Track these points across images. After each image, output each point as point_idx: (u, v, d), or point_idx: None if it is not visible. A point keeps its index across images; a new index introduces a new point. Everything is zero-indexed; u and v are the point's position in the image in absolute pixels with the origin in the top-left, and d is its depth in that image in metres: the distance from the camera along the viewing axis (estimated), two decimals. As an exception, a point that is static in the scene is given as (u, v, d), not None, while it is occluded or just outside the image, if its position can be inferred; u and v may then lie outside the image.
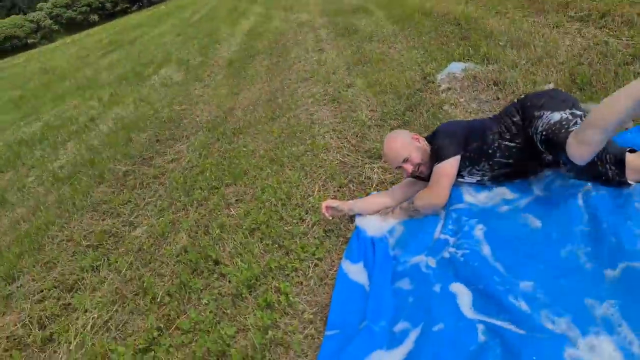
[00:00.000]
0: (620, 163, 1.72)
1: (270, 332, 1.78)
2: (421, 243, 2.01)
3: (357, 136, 3.20)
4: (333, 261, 2.11)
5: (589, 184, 1.83)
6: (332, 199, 2.47)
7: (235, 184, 3.12)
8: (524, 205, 1.99)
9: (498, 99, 3.02)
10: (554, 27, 3.85)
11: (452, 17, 5.09)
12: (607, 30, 3.41)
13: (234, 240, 2.49)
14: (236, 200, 2.94)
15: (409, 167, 2.08)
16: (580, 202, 1.85)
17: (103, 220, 3.33)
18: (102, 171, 4.14)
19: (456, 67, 3.68)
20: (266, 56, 6.58)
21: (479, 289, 1.64)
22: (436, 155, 2.03)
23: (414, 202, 2.10)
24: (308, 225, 2.42)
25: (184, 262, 2.45)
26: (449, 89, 3.42)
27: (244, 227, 2.57)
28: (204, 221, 2.81)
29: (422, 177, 2.20)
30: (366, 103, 3.68)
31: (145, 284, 2.39)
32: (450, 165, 2.00)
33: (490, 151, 2.02)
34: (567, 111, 1.81)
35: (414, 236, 2.06)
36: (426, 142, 2.18)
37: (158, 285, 2.38)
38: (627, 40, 3.12)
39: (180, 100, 5.87)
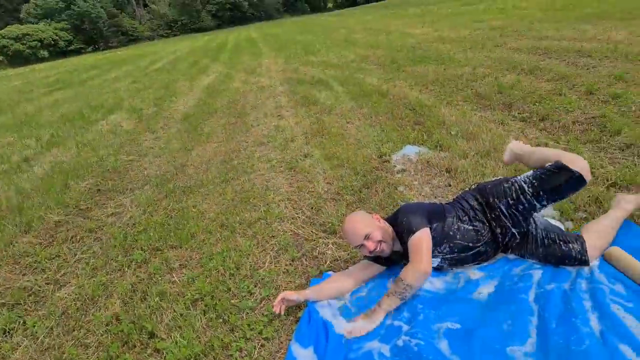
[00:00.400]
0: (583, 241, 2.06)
1: None
2: (374, 329, 1.95)
3: (312, 208, 3.17)
4: (282, 342, 1.98)
5: (540, 273, 1.94)
6: (288, 291, 2.18)
7: (181, 247, 2.94)
8: (478, 295, 2.01)
9: (449, 185, 3.15)
10: (499, 124, 4.16)
11: (407, 101, 5.40)
12: (546, 133, 3.73)
13: (174, 311, 2.30)
14: (180, 265, 2.76)
15: (370, 245, 2.05)
16: (531, 298, 1.90)
17: (24, 275, 2.99)
18: (30, 219, 3.80)
19: (411, 150, 3.84)
20: (224, 115, 6.58)
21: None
22: (407, 229, 2.04)
23: (403, 281, 1.98)
24: (256, 300, 2.29)
25: (114, 333, 2.21)
26: (403, 170, 3.54)
27: (186, 296, 2.40)
28: (141, 286, 2.59)
29: (381, 258, 2.19)
30: (323, 175, 3.70)
31: (65, 356, 2.11)
32: (425, 233, 2.02)
33: (450, 233, 2.09)
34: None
35: (367, 321, 1.99)
36: (386, 223, 2.19)
37: (81, 357, 2.12)
38: (564, 145, 3.42)
39: (128, 150, 5.65)
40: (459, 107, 4.88)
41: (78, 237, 3.41)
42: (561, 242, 2.06)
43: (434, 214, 2.13)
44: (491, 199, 2.16)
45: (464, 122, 4.27)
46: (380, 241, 2.07)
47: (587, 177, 2.03)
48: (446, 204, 2.28)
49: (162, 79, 12.24)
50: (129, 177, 4.61)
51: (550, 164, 2.12)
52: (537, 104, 4.43)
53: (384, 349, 1.85)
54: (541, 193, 2.07)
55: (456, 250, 2.10)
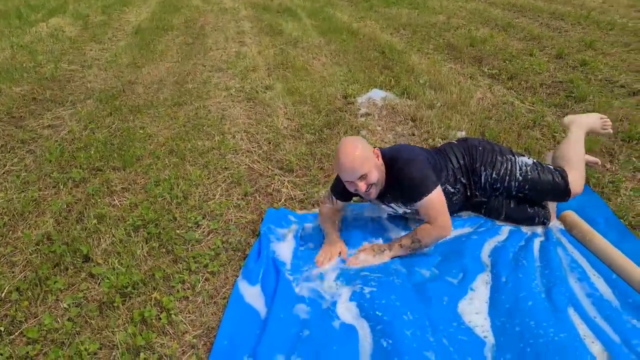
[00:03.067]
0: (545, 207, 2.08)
1: (142, 355, 1.51)
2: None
3: (269, 143, 3.02)
4: (227, 278, 1.90)
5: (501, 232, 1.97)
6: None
7: (124, 170, 2.73)
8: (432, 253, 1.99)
9: (414, 134, 3.08)
10: (468, 77, 4.09)
11: (377, 43, 5.19)
12: (513, 92, 3.70)
13: (113, 236, 2.13)
14: (122, 189, 2.56)
15: (362, 186, 1.81)
16: (484, 253, 1.92)
17: (-58, 182, 2.68)
18: (-48, 121, 3.39)
19: (377, 94, 3.71)
20: (180, 34, 6.08)
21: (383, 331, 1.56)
22: (420, 188, 1.82)
23: (420, 241, 1.85)
24: (204, 232, 2.17)
25: (44, 253, 2.03)
26: (367, 114, 3.42)
27: (127, 222, 2.23)
28: (78, 207, 2.39)
29: (350, 195, 2.06)
30: (283, 110, 3.52)
31: (-14, 273, 1.92)
32: (440, 193, 1.85)
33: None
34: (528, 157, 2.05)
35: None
36: (381, 160, 1.93)
37: (6, 276, 1.93)
38: (529, 105, 3.41)
39: (70, 59, 5.13)
40: (429, 56, 4.74)
41: (9, 147, 3.09)
42: (527, 205, 2.05)
43: (436, 170, 1.93)
44: (477, 165, 2.01)
45: (434, 72, 4.16)
46: (372, 185, 1.85)
47: (572, 196, 2.00)
48: (435, 153, 2.05)
49: (115, -15, 11.09)
50: (70, 88, 4.20)
51: (556, 168, 2.04)
52: (507, 61, 4.38)
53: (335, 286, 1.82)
54: (526, 187, 1.99)
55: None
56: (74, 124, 3.39)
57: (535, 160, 2.04)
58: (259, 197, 2.46)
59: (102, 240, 2.12)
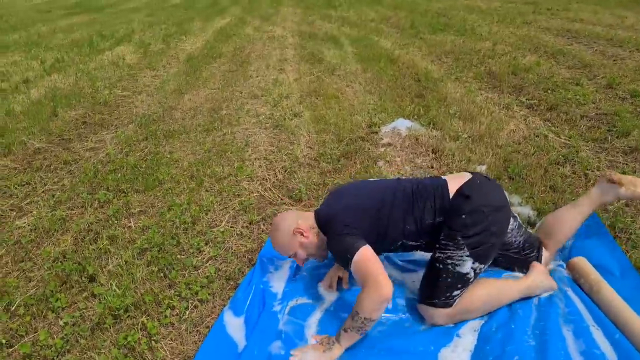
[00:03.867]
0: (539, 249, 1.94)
1: (116, 381, 1.57)
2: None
3: (285, 171, 3.07)
4: (215, 307, 1.93)
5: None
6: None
7: (145, 193, 2.88)
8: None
9: (432, 167, 3.01)
10: (503, 108, 3.94)
11: (415, 71, 5.15)
12: (549, 124, 3.52)
13: (120, 258, 2.25)
14: (140, 211, 2.70)
15: (299, 261, 1.87)
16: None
17: (-10, 198, 2.97)
18: (11, 142, 3.75)
19: (402, 124, 3.67)
20: (227, 61, 6.38)
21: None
22: (340, 256, 1.71)
23: (359, 315, 1.57)
24: (203, 259, 2.24)
25: (57, 270, 2.18)
26: (389, 144, 3.38)
27: (136, 244, 2.35)
28: (97, 227, 2.55)
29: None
30: (306, 138, 3.57)
31: (5, 286, 2.09)
32: (366, 252, 1.62)
33: (391, 248, 1.85)
34: (479, 265, 1.71)
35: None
36: (315, 230, 1.82)
37: (21, 290, 2.10)
38: (564, 139, 3.22)
39: (125, 85, 5.53)
40: (466, 85, 4.63)
41: (52, 167, 3.37)
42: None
43: (372, 229, 1.74)
44: (454, 232, 1.71)
45: (467, 101, 4.06)
46: (308, 257, 1.87)
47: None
48: (403, 199, 1.79)
49: (178, 15, 11.89)
50: (117, 113, 4.52)
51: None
52: (549, 91, 4.18)
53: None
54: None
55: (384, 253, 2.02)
56: (112, 147, 3.64)
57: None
58: (263, 225, 2.49)
59: (110, 260, 2.25)
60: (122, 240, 2.40)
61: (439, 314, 1.72)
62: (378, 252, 1.69)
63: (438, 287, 1.70)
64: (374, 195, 1.82)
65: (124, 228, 2.53)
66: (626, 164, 2.83)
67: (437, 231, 1.74)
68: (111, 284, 2.06)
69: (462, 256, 1.68)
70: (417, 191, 1.79)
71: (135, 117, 4.35)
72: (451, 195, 1.75)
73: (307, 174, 2.99)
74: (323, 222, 1.82)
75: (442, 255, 1.71)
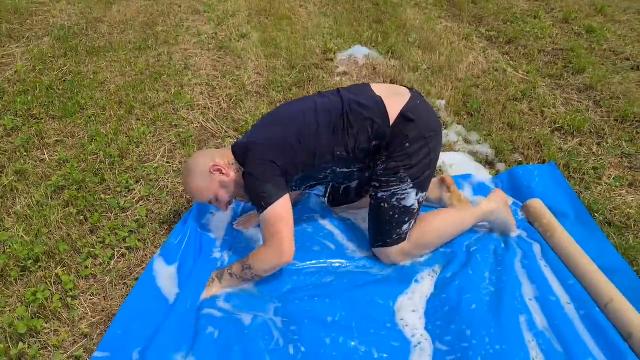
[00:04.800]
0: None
1: (20, 345, 1.33)
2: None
3: (230, 100, 2.74)
4: (146, 255, 1.70)
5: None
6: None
7: (63, 120, 2.47)
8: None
9: (389, 100, 2.78)
10: (463, 38, 3.72)
11: (373, -7, 4.74)
12: (508, 58, 3.36)
13: (31, 198, 1.92)
14: (56, 141, 2.32)
15: (223, 205, 1.60)
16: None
17: None
18: None
19: (359, 51, 3.37)
20: (164, -30, 5.60)
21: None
22: (257, 200, 1.46)
23: (250, 268, 1.48)
24: (133, 200, 1.95)
25: (-51, 212, 1.83)
26: (345, 73, 3.11)
27: (50, 181, 2.01)
28: (1, 159, 2.16)
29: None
30: (254, 63, 3.20)
31: None
32: (281, 206, 1.44)
33: (319, 177, 1.62)
34: (422, 194, 1.59)
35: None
36: (235, 166, 1.57)
37: None
38: (522, 74, 3.09)
39: (41, -10, 4.72)
40: (426, 12, 4.33)
41: (-53, 86, 2.82)
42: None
43: (297, 159, 1.50)
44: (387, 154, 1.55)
45: (427, 30, 3.79)
46: (231, 199, 1.61)
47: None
48: (326, 124, 1.52)
49: None
50: (31, 23, 3.85)
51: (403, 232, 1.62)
52: (508, 23, 3.98)
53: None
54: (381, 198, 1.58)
55: (313, 183, 1.68)
56: (22, 64, 3.09)
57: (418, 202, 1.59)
58: (204, 161, 2.21)
59: (17, 201, 1.91)
60: (33, 176, 2.05)
61: (395, 252, 1.62)
62: (305, 182, 1.61)
63: (387, 226, 1.57)
64: (296, 118, 1.53)
65: (35, 161, 2.16)
66: (580, 102, 2.75)
67: (371, 155, 1.56)
68: (18, 229, 1.74)
69: (405, 189, 1.54)
70: (349, 112, 1.51)
71: (52, 28, 3.72)
72: (391, 118, 1.50)
73: (254, 104, 2.68)
74: (240, 155, 1.56)
75: (385, 194, 1.55)
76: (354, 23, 3.95)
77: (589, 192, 1.99)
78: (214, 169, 1.53)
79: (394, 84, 2.94)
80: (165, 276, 1.58)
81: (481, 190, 1.99)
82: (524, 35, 3.71)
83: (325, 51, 3.39)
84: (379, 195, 1.56)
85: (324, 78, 3.01)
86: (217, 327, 1.39)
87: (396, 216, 1.56)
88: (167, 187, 2.03)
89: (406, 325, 1.44)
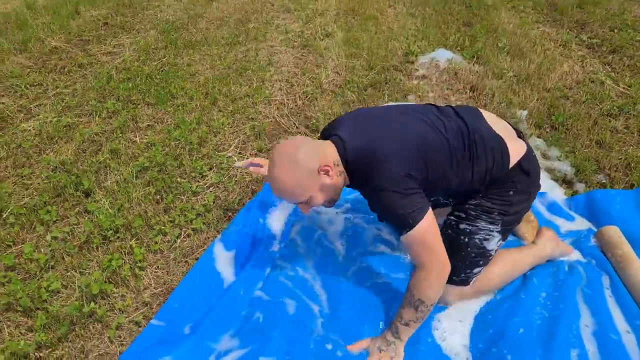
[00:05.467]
0: None
1: (92, 304, 1.51)
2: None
3: (306, 97, 2.82)
4: (208, 238, 1.83)
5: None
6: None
7: (156, 107, 2.72)
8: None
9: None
10: (560, 45, 3.47)
11: (467, -6, 4.57)
12: (609, 69, 3.08)
13: (120, 174, 2.15)
14: (147, 126, 2.56)
15: (307, 209, 1.38)
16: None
17: (1, 97, 2.88)
18: (28, 38, 3.60)
19: (443, 55, 3.29)
20: (264, -32, 5.86)
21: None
22: (399, 220, 1.26)
23: (423, 302, 1.30)
24: (204, 185, 2.11)
25: (53, 181, 2.11)
26: (424, 77, 3.05)
27: (137, 161, 2.23)
28: (101, 138, 2.44)
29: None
30: (335, 62, 3.26)
31: (2, 191, 2.04)
32: (428, 225, 1.26)
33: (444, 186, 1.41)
34: (502, 242, 1.48)
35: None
36: (339, 169, 1.34)
37: (15, 197, 2.04)
38: (623, 88, 2.81)
39: (153, -14, 5.19)
40: (522, 15, 4.09)
41: (67, 69, 3.23)
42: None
43: (427, 183, 1.32)
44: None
45: (520, 35, 3.59)
46: (322, 204, 1.39)
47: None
48: (450, 149, 1.35)
49: None
50: (141, 17, 4.25)
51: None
52: (616, 30, 3.63)
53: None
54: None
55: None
56: (129, 54, 3.44)
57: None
58: (273, 155, 2.32)
59: (108, 176, 2.15)
60: (124, 155, 2.29)
61: (453, 292, 1.48)
62: None
63: (459, 262, 1.43)
64: (425, 132, 1.34)
65: (128, 142, 2.41)
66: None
67: (470, 195, 1.45)
68: (105, 202, 1.97)
69: (492, 231, 1.43)
70: (476, 142, 1.35)
71: (159, 22, 4.08)
72: (510, 163, 1.39)
73: (328, 103, 2.74)
74: (357, 159, 1.31)
75: (469, 228, 1.43)
76: (442, 25, 3.85)
77: (682, 225, 1.77)
78: (323, 169, 1.29)
79: (474, 90, 2.84)
80: (223, 260, 1.69)
81: (554, 211, 1.87)
82: (632, 44, 3.36)
83: (407, 53, 3.35)
84: (462, 227, 1.45)
85: (401, 81, 2.98)
86: (262, 311, 1.47)
87: (473, 254, 1.45)
88: (236, 177, 2.16)
89: (448, 345, 1.41)
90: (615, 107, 2.57)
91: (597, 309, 1.44)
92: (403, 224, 1.25)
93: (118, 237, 1.80)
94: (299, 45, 3.57)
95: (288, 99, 2.81)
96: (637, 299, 1.46)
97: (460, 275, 1.46)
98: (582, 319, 1.42)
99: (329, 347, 1.35)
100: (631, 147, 2.26)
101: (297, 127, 2.53)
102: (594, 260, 1.62)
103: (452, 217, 1.50)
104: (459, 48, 3.41)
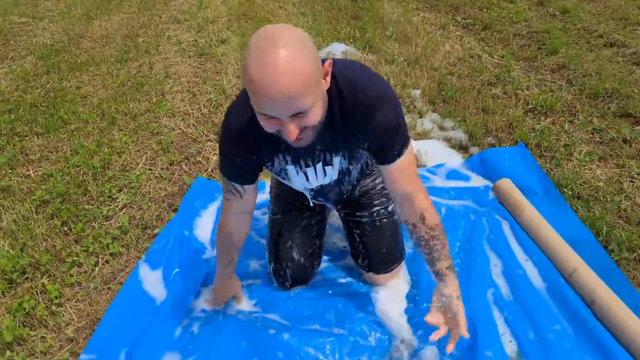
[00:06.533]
0: None
1: (8, 353, 1.38)
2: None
3: (211, 104, 2.79)
4: (129, 260, 1.75)
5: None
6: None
7: (47, 136, 2.53)
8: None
9: (366, 93, 2.83)
10: (440, 28, 3.77)
11: (351, -10, 4.79)
12: (483, 44, 3.40)
13: (16, 213, 1.97)
14: (40, 157, 2.37)
15: (293, 131, 0.92)
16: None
17: None
18: None
19: (338, 48, 3.42)
20: (144, -18, 5.66)
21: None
22: (402, 141, 1.11)
23: (436, 231, 1.15)
24: (115, 208, 2.00)
25: (-62, 232, 1.88)
26: (322, 70, 3.15)
27: (35, 195, 2.06)
28: (-13, 178, 2.22)
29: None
30: (234, 66, 3.25)
31: None
32: (411, 153, 1.16)
33: None
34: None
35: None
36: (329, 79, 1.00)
37: None
38: (497, 59, 3.13)
39: (23, 10, 4.80)
40: (404, 4, 4.38)
41: None
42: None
43: None
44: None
45: (404, 22, 3.84)
46: (312, 126, 0.96)
47: None
48: None
49: None
50: (14, 44, 3.92)
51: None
52: (484, 9, 4.02)
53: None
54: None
55: None
56: (6, 84, 3.16)
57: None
58: (185, 165, 2.27)
59: (3, 217, 1.96)
60: (18, 192, 2.10)
61: (394, 273, 1.53)
62: None
63: (399, 242, 1.50)
64: None
65: (20, 177, 2.22)
66: (553, 82, 2.78)
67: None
68: (4, 244, 1.80)
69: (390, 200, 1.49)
70: None
71: (35, 47, 3.79)
72: None
73: (232, 107, 2.73)
74: (342, 74, 1.05)
75: (392, 205, 1.48)
76: (332, 20, 4.00)
77: (560, 168, 2.03)
78: (327, 67, 0.96)
79: (370, 77, 2.99)
80: (150, 280, 1.62)
81: (454, 176, 2.04)
82: (500, 20, 3.75)
83: (304, 50, 3.43)
84: (390, 209, 1.49)
85: (302, 77, 3.05)
86: (199, 323, 1.44)
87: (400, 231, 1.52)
88: (149, 193, 2.08)
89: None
90: (493, 77, 2.85)
91: (501, 251, 1.60)
92: (406, 136, 1.12)
93: (26, 278, 1.66)
94: (195, 55, 3.51)
95: (192, 109, 2.75)
96: (532, 236, 1.65)
97: (402, 251, 1.53)
98: (491, 262, 1.58)
99: (272, 331, 1.36)
100: (511, 110, 2.53)
101: (206, 135, 2.49)
102: (494, 211, 1.79)
103: (376, 207, 1.47)
104: (351, 40, 3.57)
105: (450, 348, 1.11)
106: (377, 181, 1.49)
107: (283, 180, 1.31)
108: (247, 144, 1.13)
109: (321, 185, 1.31)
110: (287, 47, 0.83)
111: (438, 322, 1.13)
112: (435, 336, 1.10)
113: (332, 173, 1.26)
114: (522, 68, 2.98)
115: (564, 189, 1.88)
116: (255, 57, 0.84)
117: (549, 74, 2.88)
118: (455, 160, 2.15)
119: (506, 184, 1.83)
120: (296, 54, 0.84)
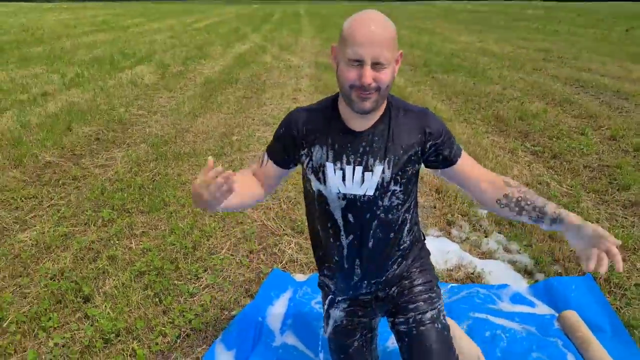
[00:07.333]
0: None
1: (99, 407, 1.56)
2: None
3: (290, 201, 3.09)
4: (207, 337, 1.93)
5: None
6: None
7: (150, 214, 2.91)
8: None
9: (435, 207, 3.02)
10: (508, 152, 3.97)
11: (425, 110, 5.21)
12: (552, 172, 3.53)
13: (118, 279, 2.27)
14: (142, 232, 2.73)
15: (368, 76, 1.04)
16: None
17: (-3, 209, 3.02)
18: (23, 154, 3.84)
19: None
20: (243, 87, 6.51)
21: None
22: (453, 137, 1.24)
23: (521, 186, 1.22)
24: (200, 286, 2.24)
25: (53, 288, 2.20)
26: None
27: (135, 266, 2.36)
28: (98, 246, 2.58)
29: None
30: (313, 170, 3.60)
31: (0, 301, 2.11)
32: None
33: None
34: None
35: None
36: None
37: (15, 306, 2.11)
38: (567, 188, 3.23)
39: (141, 104, 5.66)
40: (474, 127, 4.68)
41: (61, 182, 3.43)
42: None
43: None
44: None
45: (473, 143, 4.09)
46: (381, 87, 1.06)
47: None
48: None
49: (200, 39, 12.22)
50: (131, 132, 4.61)
51: None
52: (554, 139, 4.21)
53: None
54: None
55: None
56: (122, 166, 3.70)
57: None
58: (263, 255, 2.51)
59: (107, 281, 2.26)
60: (121, 261, 2.42)
61: None
62: None
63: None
64: None
65: (124, 249, 2.56)
66: (625, 218, 2.82)
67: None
68: (105, 306, 2.06)
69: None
70: None
71: (148, 137, 4.43)
72: None
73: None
74: (395, 99, 1.23)
75: (436, 312, 1.28)
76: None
77: (630, 308, 2.02)
78: (399, 54, 1.13)
79: (439, 192, 3.19)
80: (224, 359, 1.79)
81: (519, 300, 2.09)
82: (570, 150, 3.90)
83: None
84: (431, 314, 1.28)
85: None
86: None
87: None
88: (230, 277, 2.31)
89: None
90: (561, 205, 2.93)
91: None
92: (458, 145, 1.24)
93: (120, 340, 1.88)
94: (280, 156, 3.93)
95: (273, 204, 3.07)
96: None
97: None
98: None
99: None
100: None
101: (283, 229, 2.75)
102: (560, 341, 1.81)
103: (413, 312, 1.28)
104: (422, 156, 3.84)
105: (619, 267, 1.03)
106: (413, 263, 1.33)
107: (318, 185, 1.21)
108: (299, 120, 1.21)
109: (356, 204, 1.19)
110: (380, 14, 1.09)
111: (592, 254, 1.06)
112: (603, 267, 1.04)
113: (370, 184, 1.17)
114: (592, 200, 3.05)
115: (634, 330, 1.86)
116: (353, 17, 1.09)
117: (621, 209, 2.92)
118: (520, 284, 2.21)
119: (572, 315, 1.86)
120: (387, 19, 1.09)
